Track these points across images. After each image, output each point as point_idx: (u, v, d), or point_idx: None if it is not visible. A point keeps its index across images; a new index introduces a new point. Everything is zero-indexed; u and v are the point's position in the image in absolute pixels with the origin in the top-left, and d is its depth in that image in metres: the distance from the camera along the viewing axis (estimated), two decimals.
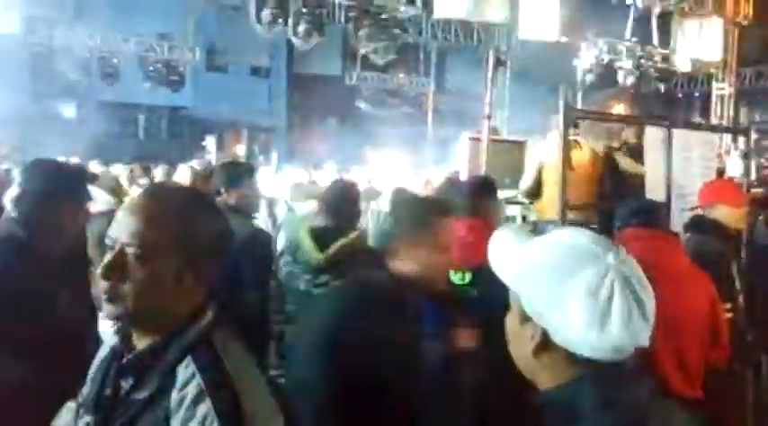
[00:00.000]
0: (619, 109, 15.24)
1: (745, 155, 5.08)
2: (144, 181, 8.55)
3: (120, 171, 8.38)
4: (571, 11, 11.74)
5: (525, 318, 1.23)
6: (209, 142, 18.62)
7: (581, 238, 1.23)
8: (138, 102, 18.96)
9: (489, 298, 1.47)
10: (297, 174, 7.50)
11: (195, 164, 8.29)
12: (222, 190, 3.62)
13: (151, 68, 14.03)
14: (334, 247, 3.71)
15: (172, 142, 19.96)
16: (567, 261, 1.20)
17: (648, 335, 1.18)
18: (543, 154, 5.16)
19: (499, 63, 5.40)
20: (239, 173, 3.76)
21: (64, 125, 19.03)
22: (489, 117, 5.09)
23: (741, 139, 5.72)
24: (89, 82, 15.47)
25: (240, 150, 23.00)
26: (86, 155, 10.63)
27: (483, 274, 1.82)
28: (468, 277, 2.54)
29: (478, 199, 3.00)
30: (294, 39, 9.82)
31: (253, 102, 22.07)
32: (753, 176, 6.75)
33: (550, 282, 1.20)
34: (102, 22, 13.75)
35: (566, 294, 1.17)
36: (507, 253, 1.26)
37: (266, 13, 8.89)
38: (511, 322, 1.29)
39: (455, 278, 2.52)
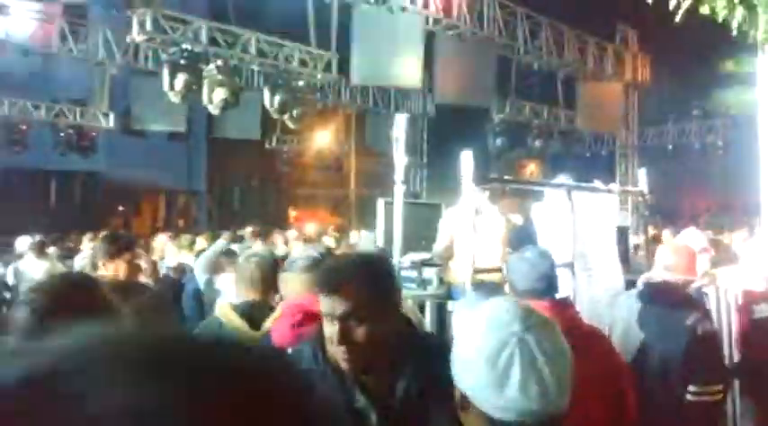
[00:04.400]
0: (531, 168, 15.86)
1: (644, 216, 5.34)
2: (53, 251, 8.20)
3: (24, 242, 7.96)
4: (483, 76, 12.25)
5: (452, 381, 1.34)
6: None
7: (497, 307, 1.34)
8: (49, 169, 18.32)
9: None
10: (214, 244, 7.33)
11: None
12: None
13: (62, 134, 13.66)
14: (267, 324, 3.56)
15: (86, 209, 19.29)
16: (478, 329, 1.30)
17: (552, 400, 1.23)
18: (454, 217, 5.27)
19: (409, 124, 5.51)
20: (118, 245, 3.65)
21: None
22: (402, 181, 5.18)
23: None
24: None
25: (158, 215, 22.48)
26: None
27: None
28: None
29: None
30: (208, 108, 9.77)
31: (171, 166, 21.72)
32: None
33: (463, 348, 1.31)
34: (12, 88, 13.34)
35: (473, 359, 1.27)
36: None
37: (179, 81, 8.85)
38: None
39: None
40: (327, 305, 1.73)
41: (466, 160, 3.73)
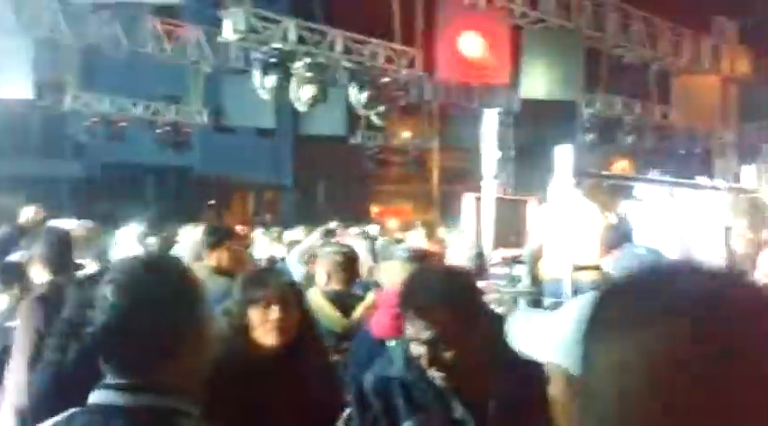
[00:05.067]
0: (622, 165, 15.35)
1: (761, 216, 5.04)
2: (151, 240, 8.59)
3: (130, 231, 8.44)
4: (571, 70, 11.94)
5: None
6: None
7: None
8: (146, 164, 19.22)
9: None
10: (303, 237, 7.50)
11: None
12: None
13: (159, 130, 14.29)
14: (357, 312, 3.66)
15: (179, 203, 20.10)
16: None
17: None
18: (545, 214, 5.17)
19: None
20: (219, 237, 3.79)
21: (72, 186, 19.26)
22: (493, 176, 5.12)
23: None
24: (97, 144, 15.76)
25: (247, 210, 23.17)
26: (95, 217, 10.71)
27: None
28: None
29: None
30: (295, 105, 9.99)
31: (259, 162, 22.34)
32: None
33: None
34: (112, 85, 14.06)
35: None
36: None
37: (269, 79, 9.08)
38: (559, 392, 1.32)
39: None
40: (412, 328, 1.71)
41: (562, 154, 3.65)
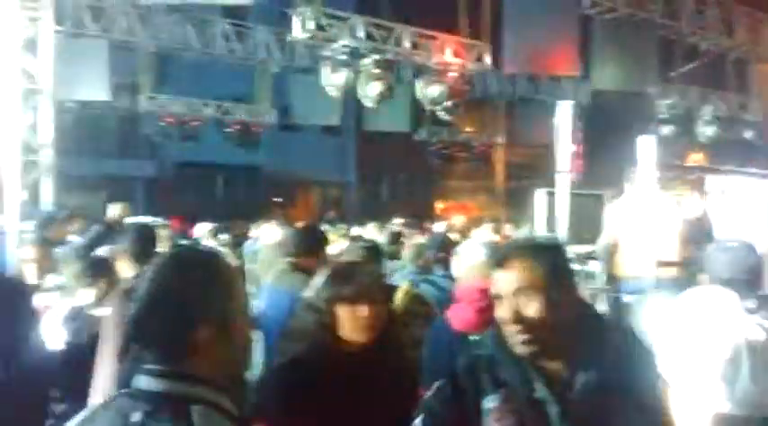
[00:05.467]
0: (696, 157, 14.81)
1: None
2: (224, 237, 8.83)
3: (202, 228, 8.73)
4: (645, 60, 11.58)
5: None
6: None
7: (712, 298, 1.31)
8: (217, 162, 19.72)
9: None
10: (378, 233, 7.55)
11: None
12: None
13: (229, 130, 14.64)
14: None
15: (248, 200, 20.54)
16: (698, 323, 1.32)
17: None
18: (623, 208, 5.03)
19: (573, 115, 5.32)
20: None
21: (146, 185, 19.95)
22: (567, 170, 5.01)
23: None
24: (170, 144, 16.27)
25: (312, 206, 23.49)
26: (166, 215, 11.08)
27: None
28: None
29: None
30: (363, 101, 10.06)
31: (324, 159, 22.60)
32: None
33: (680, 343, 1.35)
34: (184, 86, 14.48)
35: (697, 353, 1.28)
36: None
37: (338, 76, 9.16)
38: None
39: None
40: (498, 281, 1.71)
41: (644, 145, 3.53)
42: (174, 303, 1.38)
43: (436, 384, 1.80)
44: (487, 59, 10.68)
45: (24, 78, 7.11)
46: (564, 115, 5.07)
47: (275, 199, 22.58)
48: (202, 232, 8.53)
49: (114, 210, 7.62)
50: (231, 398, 1.43)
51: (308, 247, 3.70)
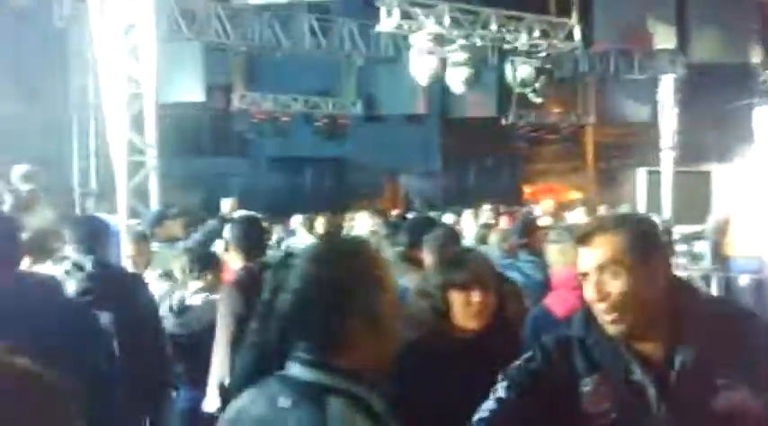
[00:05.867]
0: None
1: None
2: (318, 229, 9.02)
3: (296, 221, 8.96)
4: (745, 29, 10.94)
5: None
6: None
7: None
8: (305, 156, 20.12)
9: None
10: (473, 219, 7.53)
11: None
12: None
13: (317, 123, 14.91)
14: None
15: (336, 192, 20.88)
16: None
17: None
18: (734, 184, 4.78)
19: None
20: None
21: (239, 181, 20.61)
22: (670, 147, 4.81)
23: None
24: (261, 140, 16.75)
25: (398, 196, 23.61)
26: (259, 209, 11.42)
27: None
28: None
29: None
30: (451, 87, 10.00)
31: (408, 148, 22.62)
32: None
33: None
34: (273, 83, 14.83)
35: None
36: None
37: (425, 64, 9.14)
38: None
39: None
40: (582, 259, 1.65)
41: (761, 117, 3.34)
42: (327, 293, 1.38)
43: (524, 355, 1.77)
44: (577, 37, 10.36)
45: (129, 83, 7.49)
46: (666, 90, 4.85)
47: (363, 191, 22.82)
48: (297, 223, 8.73)
49: (226, 205, 7.97)
50: (378, 393, 1.42)
51: (417, 238, 3.73)
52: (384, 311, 1.42)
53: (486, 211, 9.86)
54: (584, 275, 1.65)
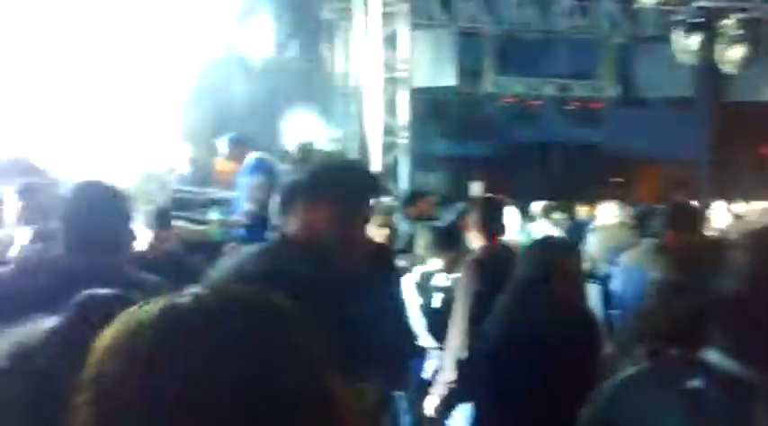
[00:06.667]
0: None
1: None
2: (558, 216, 8.75)
3: (538, 206, 8.78)
4: None
5: None
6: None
7: None
8: (552, 141, 19.62)
9: None
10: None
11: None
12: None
13: (568, 107, 14.45)
14: None
15: (584, 179, 20.11)
16: None
17: None
18: None
19: None
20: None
21: (481, 165, 20.77)
22: None
23: None
24: (508, 124, 16.69)
25: (655, 187, 22.06)
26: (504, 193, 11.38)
27: None
28: None
29: None
30: (723, 67, 8.99)
31: (671, 135, 20.94)
32: None
33: None
34: (526, 67, 14.64)
35: None
36: None
37: (692, 41, 8.34)
38: None
39: None
40: None
41: None
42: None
43: None
44: None
45: (384, 69, 7.93)
46: None
47: (613, 179, 21.70)
48: (537, 210, 8.59)
49: (476, 188, 8.16)
50: None
51: (681, 225, 3.47)
52: None
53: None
54: None
